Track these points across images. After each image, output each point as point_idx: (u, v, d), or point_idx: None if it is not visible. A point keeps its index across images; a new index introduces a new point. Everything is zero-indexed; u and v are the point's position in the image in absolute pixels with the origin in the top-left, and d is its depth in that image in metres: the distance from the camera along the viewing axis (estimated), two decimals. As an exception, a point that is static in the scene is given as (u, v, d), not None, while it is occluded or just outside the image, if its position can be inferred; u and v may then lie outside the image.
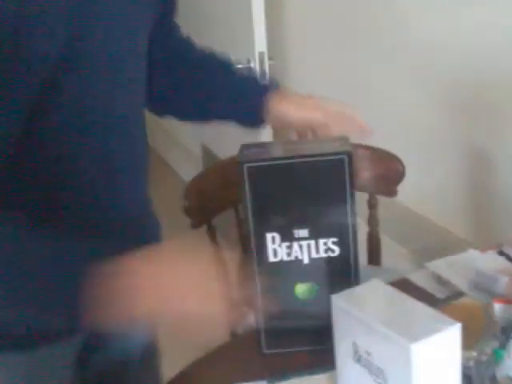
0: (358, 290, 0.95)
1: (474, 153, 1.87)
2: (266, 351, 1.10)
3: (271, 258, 1.05)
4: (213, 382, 1.06)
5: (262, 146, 1.11)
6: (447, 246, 1.89)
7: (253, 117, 1.18)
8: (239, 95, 1.19)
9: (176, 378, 1.07)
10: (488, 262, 1.29)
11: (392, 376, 0.85)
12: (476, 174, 1.88)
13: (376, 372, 0.87)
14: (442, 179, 2.04)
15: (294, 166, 1.01)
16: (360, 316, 0.88)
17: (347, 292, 0.93)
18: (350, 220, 1.02)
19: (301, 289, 1.06)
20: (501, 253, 1.33)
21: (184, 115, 1.27)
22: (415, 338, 0.81)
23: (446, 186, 2.03)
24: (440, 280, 1.24)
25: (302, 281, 1.06)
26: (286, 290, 1.06)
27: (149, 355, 1.19)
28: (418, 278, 1.27)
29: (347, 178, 1.00)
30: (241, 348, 1.14)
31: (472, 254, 1.34)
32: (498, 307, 1.05)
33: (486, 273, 1.21)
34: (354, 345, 0.89)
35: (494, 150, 1.81)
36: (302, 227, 1.03)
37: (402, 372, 0.83)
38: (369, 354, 0.87)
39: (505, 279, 1.17)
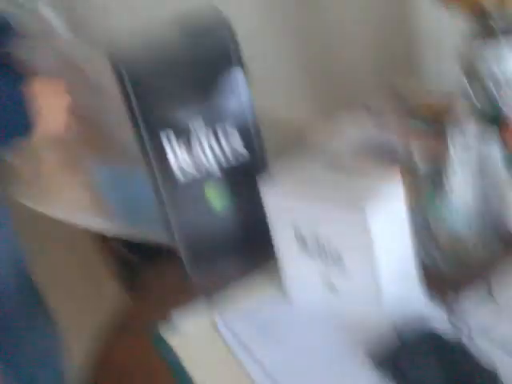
0: (283, 179, 0.89)
1: None
2: (192, 274, 1.05)
3: (181, 179, 0.98)
4: (152, 315, 1.00)
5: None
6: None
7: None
8: None
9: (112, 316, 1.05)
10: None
11: (350, 253, 0.82)
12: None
13: (330, 257, 0.84)
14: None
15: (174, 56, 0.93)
16: (300, 202, 0.84)
17: (276, 184, 0.88)
18: (247, 104, 0.96)
19: (214, 200, 1.01)
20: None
21: None
22: (366, 203, 0.78)
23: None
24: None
25: (216, 192, 1.00)
26: (199, 205, 1.00)
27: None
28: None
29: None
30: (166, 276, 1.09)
31: (342, 118, 1.18)
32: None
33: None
34: (297, 236, 0.86)
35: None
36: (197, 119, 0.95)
37: (359, 243, 0.80)
38: (317, 240, 0.84)
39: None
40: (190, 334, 0.93)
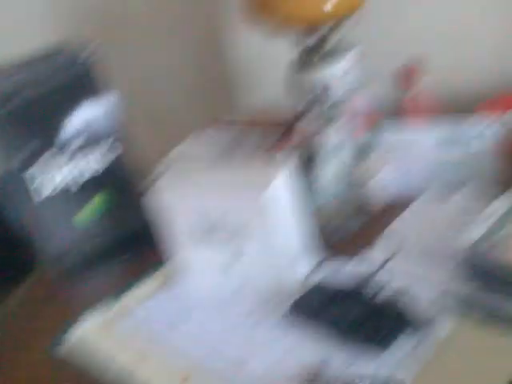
0: (173, 173, 0.95)
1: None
2: (69, 290, 1.05)
3: (37, 198, 0.99)
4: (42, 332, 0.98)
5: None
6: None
7: None
8: None
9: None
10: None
11: (251, 233, 0.89)
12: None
13: (230, 240, 0.90)
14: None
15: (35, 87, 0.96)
16: (196, 190, 0.90)
17: (165, 178, 0.93)
18: (111, 123, 1.02)
19: (83, 215, 1.03)
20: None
21: None
22: (260, 186, 0.86)
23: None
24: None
25: (82, 207, 1.03)
26: (64, 224, 1.02)
27: None
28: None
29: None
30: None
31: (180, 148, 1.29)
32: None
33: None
34: (193, 224, 0.91)
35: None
36: (64, 149, 0.99)
37: (260, 222, 0.87)
38: (214, 226, 0.90)
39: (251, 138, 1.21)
40: (87, 341, 0.92)
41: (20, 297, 1.08)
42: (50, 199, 1.00)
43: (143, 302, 0.97)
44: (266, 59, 1.44)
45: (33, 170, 0.97)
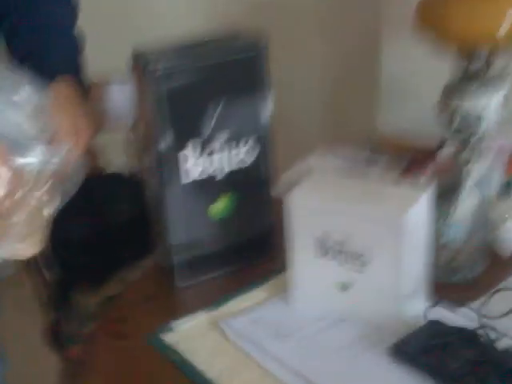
0: (307, 184, 0.93)
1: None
2: (181, 285, 1.03)
3: (184, 180, 0.98)
4: (141, 327, 0.97)
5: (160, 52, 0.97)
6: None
7: None
8: None
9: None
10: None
11: (375, 256, 0.86)
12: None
13: (351, 259, 0.88)
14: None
15: (205, 69, 0.95)
16: (330, 205, 0.88)
17: (300, 189, 0.91)
18: (263, 121, 1.00)
19: (216, 208, 1.02)
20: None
21: None
22: (401, 209, 0.83)
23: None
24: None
25: (217, 199, 1.01)
26: (198, 212, 1.01)
27: None
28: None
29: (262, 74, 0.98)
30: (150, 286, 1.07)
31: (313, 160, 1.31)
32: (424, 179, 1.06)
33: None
34: (318, 239, 0.89)
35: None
36: (214, 139, 0.98)
37: (390, 247, 0.84)
38: (341, 243, 0.88)
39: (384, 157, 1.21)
40: (191, 334, 0.92)
41: (130, 282, 1.11)
42: (194, 184, 0.99)
43: (252, 308, 0.96)
44: (419, 78, 1.37)
45: (184, 152, 0.97)
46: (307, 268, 0.93)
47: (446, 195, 0.98)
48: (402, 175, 1.19)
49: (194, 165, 0.98)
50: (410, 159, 1.23)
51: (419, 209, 0.86)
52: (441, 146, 1.03)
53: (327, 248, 0.89)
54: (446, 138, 1.02)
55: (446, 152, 1.02)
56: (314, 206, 0.90)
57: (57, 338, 1.45)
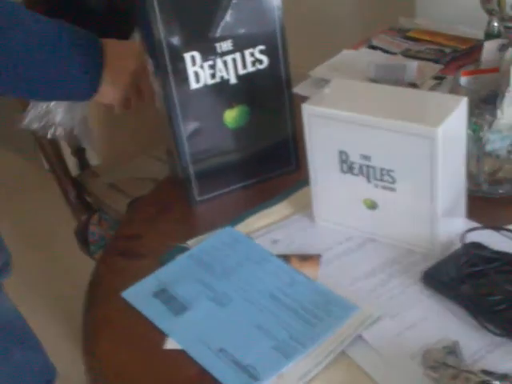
0: (325, 93, 0.83)
1: None
2: (198, 198, 0.97)
3: (193, 85, 0.91)
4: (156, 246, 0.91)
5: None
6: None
7: None
8: None
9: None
10: (367, 56, 1.23)
11: (407, 172, 0.77)
12: None
13: (379, 175, 0.79)
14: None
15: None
16: (352, 115, 0.78)
17: (316, 98, 0.82)
18: (277, 23, 0.90)
19: (230, 116, 0.94)
20: (372, 47, 1.29)
21: None
22: (434, 121, 0.73)
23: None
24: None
25: (231, 106, 0.93)
26: (213, 120, 0.93)
27: None
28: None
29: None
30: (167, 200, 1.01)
31: (347, 53, 1.28)
32: (464, 80, 0.94)
33: (389, 63, 1.16)
34: (342, 153, 0.80)
35: None
36: (224, 39, 0.89)
37: (423, 162, 0.75)
38: (367, 157, 0.79)
39: (414, 64, 1.12)
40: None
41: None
42: (206, 89, 0.91)
43: (274, 225, 0.90)
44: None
45: (192, 53, 0.89)
46: (331, 184, 0.85)
47: (491, 99, 0.86)
48: (441, 71, 1.07)
49: (203, 68, 0.90)
50: (449, 54, 1.11)
51: (456, 119, 0.76)
52: (484, 40, 0.90)
53: (351, 163, 0.81)
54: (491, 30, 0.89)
55: (491, 47, 0.89)
56: (333, 116, 0.80)
57: (86, 239, 1.44)
